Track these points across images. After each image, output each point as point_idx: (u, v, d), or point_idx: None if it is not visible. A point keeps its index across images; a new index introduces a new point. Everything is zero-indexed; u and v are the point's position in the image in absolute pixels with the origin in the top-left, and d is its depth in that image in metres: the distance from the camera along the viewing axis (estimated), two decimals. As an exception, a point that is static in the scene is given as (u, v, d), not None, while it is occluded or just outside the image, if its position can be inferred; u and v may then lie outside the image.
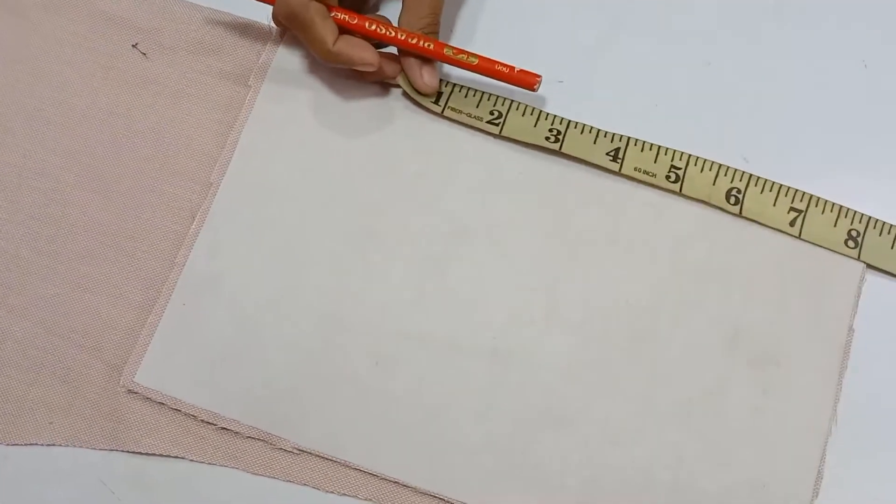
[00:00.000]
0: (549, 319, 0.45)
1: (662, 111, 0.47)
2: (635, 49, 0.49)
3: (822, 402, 0.43)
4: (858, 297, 0.44)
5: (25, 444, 0.44)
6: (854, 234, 0.45)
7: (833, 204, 0.45)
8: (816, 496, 0.42)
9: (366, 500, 0.44)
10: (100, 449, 0.44)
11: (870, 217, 0.45)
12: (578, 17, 0.49)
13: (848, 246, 0.45)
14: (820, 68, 0.48)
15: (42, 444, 0.44)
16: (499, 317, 0.45)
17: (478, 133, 0.47)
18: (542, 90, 0.46)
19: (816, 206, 0.45)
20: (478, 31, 0.49)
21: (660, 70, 0.48)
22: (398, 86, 0.48)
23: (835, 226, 0.45)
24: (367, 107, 0.47)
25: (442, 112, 0.47)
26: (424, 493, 0.43)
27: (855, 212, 0.45)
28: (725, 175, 0.45)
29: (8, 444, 0.44)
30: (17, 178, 0.47)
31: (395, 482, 0.43)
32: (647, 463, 0.43)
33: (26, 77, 0.48)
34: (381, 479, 0.44)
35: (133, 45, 0.49)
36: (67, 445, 0.44)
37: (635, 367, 0.44)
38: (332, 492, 0.44)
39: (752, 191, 0.45)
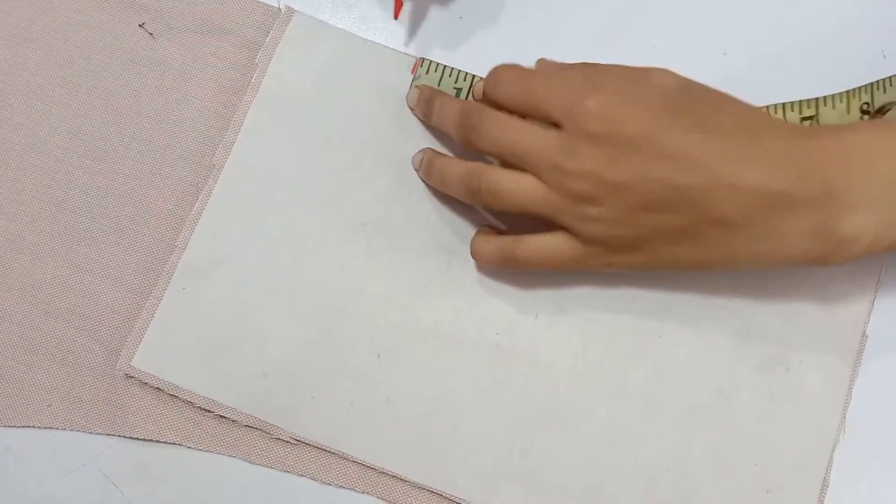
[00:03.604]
0: (555, 316, 0.44)
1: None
2: (649, 37, 0.47)
3: (831, 409, 0.43)
4: (873, 303, 0.43)
5: (22, 427, 0.44)
6: (865, 107, 0.43)
7: (839, 94, 0.44)
8: (822, 504, 0.42)
9: (363, 492, 0.43)
10: (97, 433, 0.44)
11: (871, 83, 0.43)
12: (591, 6, 0.48)
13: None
14: (840, 59, 0.47)
15: (39, 427, 0.44)
16: (503, 312, 0.44)
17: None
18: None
19: (825, 104, 0.44)
20: (488, 19, 0.48)
21: (674, 60, 0.47)
22: (411, 75, 0.47)
23: (848, 112, 0.44)
24: (377, 92, 0.47)
25: None
26: (422, 488, 0.43)
27: (858, 88, 0.44)
28: None
29: (5, 427, 0.44)
30: (19, 157, 0.47)
31: (394, 476, 0.43)
32: (650, 466, 0.42)
33: (32, 55, 0.48)
34: (380, 472, 0.43)
35: (140, 25, 0.48)
36: (64, 429, 0.44)
37: (641, 367, 0.43)
38: (329, 483, 0.43)
39: None
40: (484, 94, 0.42)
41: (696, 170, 0.37)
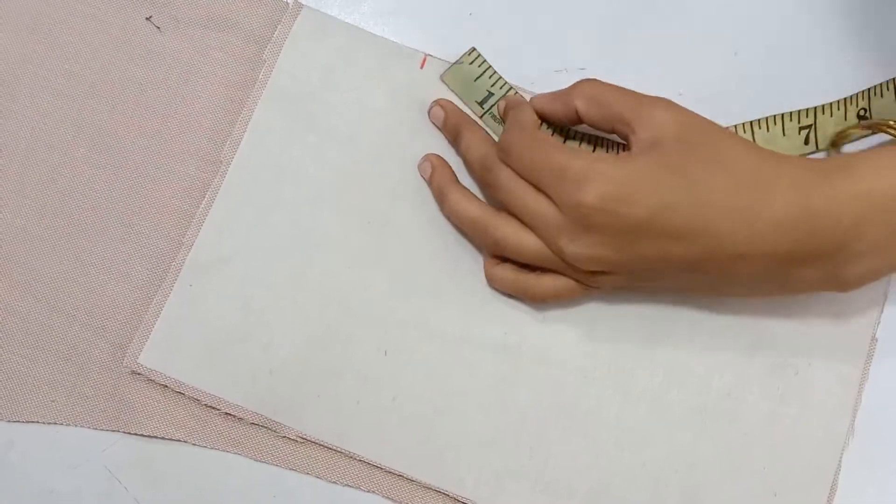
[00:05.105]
0: (563, 317, 0.44)
1: (686, 100, 0.46)
2: (660, 36, 0.47)
3: (840, 412, 0.43)
4: (883, 306, 0.43)
5: (26, 422, 0.44)
6: (862, 112, 0.44)
7: (836, 101, 0.44)
8: (829, 508, 0.42)
9: (369, 491, 0.43)
10: (102, 429, 0.44)
11: (868, 89, 0.44)
12: (602, 2, 0.48)
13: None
14: (850, 61, 0.46)
15: (43, 423, 0.44)
16: (512, 311, 0.44)
17: (503, 124, 0.46)
18: (565, 78, 0.45)
19: (823, 112, 0.44)
20: (499, 16, 0.47)
21: (685, 58, 0.47)
22: (420, 71, 0.46)
23: (845, 118, 0.44)
24: (387, 89, 0.46)
25: (481, 117, 0.46)
26: (429, 488, 0.43)
27: (854, 95, 0.44)
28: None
29: (9, 422, 0.44)
30: (25, 151, 0.46)
31: (400, 475, 0.43)
32: (658, 467, 0.42)
33: (38, 48, 0.47)
34: (386, 471, 0.43)
35: (147, 19, 0.47)
36: (69, 425, 0.44)
37: (649, 368, 0.43)
38: (334, 482, 0.43)
39: (759, 133, 0.44)
40: (498, 150, 0.42)
41: (702, 244, 0.37)
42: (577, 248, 0.38)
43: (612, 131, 0.40)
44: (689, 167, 0.37)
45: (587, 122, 0.41)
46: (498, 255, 0.43)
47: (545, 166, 0.39)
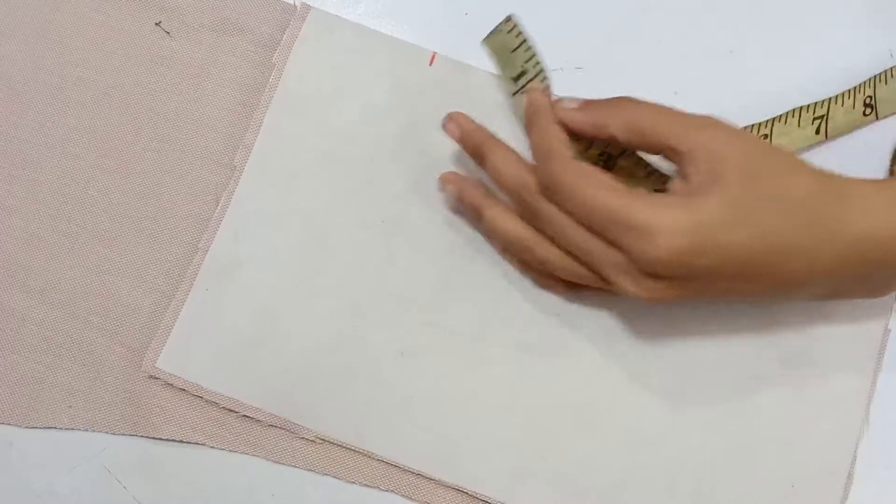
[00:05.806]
0: (576, 315, 0.44)
1: (682, 99, 0.46)
2: (656, 36, 0.47)
3: (854, 404, 0.43)
4: (896, 298, 0.44)
5: (43, 428, 0.44)
6: (868, 100, 0.44)
7: (847, 91, 0.45)
8: (846, 499, 0.42)
9: (387, 490, 0.43)
10: (118, 434, 0.44)
11: (874, 77, 0.45)
12: (598, 2, 0.48)
13: (866, 115, 0.45)
14: (848, 56, 0.47)
15: (60, 428, 0.44)
16: (525, 311, 0.44)
17: (513, 118, 0.46)
18: (562, 78, 0.45)
19: (836, 102, 0.45)
20: (496, 15, 0.47)
21: (681, 57, 0.47)
22: (429, 69, 0.46)
23: (854, 107, 0.44)
24: (397, 88, 0.46)
25: (514, 94, 0.43)
26: (446, 486, 0.43)
27: (862, 84, 0.45)
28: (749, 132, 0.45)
29: (25, 427, 0.44)
30: (37, 156, 0.46)
31: (418, 474, 0.43)
32: (673, 465, 0.43)
33: (49, 54, 0.47)
34: (404, 470, 0.43)
35: (157, 24, 0.48)
36: (86, 430, 0.44)
37: (664, 364, 0.43)
38: (352, 482, 0.43)
39: (778, 126, 0.45)
40: (538, 184, 0.39)
41: (766, 282, 0.37)
42: (641, 290, 0.37)
43: (658, 154, 0.38)
44: (754, 206, 0.35)
45: (628, 149, 0.40)
46: (544, 272, 0.42)
47: (601, 214, 0.36)
